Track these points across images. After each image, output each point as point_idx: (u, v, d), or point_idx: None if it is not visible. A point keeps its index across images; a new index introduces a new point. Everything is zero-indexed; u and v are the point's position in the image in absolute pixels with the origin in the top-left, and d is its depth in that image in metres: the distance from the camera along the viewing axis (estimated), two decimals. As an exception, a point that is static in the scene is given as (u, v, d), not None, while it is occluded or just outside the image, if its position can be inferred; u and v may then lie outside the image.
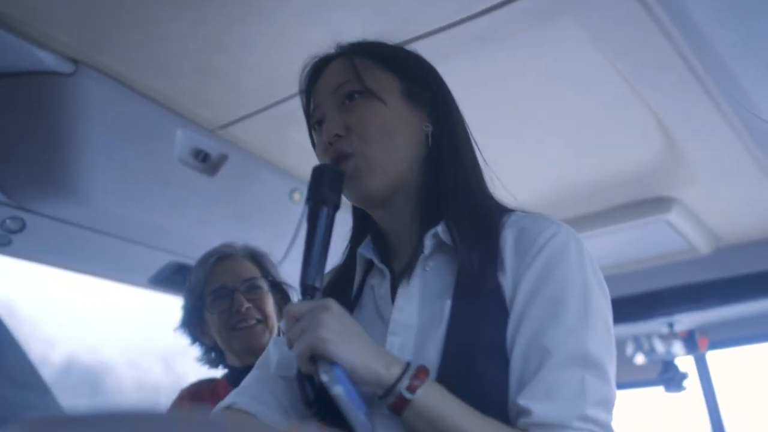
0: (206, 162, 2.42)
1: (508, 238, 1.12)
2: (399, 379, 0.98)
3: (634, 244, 3.35)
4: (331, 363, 0.97)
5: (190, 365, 2.23)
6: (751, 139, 2.34)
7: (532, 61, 2.07)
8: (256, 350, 2.02)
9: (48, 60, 1.90)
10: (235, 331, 2.02)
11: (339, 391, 0.95)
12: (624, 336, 4.04)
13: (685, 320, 3.88)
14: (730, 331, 3.95)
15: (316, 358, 0.99)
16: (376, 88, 1.20)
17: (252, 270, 2.14)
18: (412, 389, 0.97)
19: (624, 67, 2.07)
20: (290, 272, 2.47)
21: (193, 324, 2.15)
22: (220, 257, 2.14)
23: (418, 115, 1.22)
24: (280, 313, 2.14)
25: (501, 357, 1.03)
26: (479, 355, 1.03)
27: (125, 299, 3.00)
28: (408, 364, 1.00)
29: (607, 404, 0.99)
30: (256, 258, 2.19)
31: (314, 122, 1.28)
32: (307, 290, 1.07)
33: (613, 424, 1.01)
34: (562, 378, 0.97)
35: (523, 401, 0.97)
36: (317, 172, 1.15)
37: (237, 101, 2.23)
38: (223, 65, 2.04)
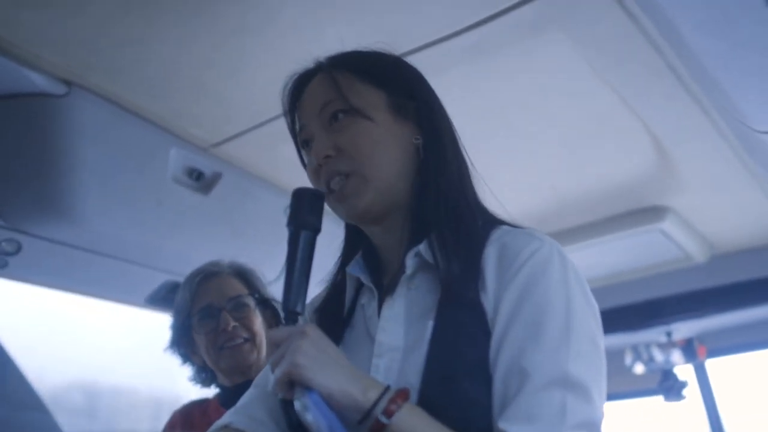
0: (200, 180, 2.42)
1: (490, 255, 1.10)
2: (376, 403, 0.96)
3: (629, 253, 3.36)
4: (308, 389, 0.97)
5: (189, 383, 2.23)
6: (741, 147, 2.35)
7: (523, 74, 2.08)
8: (244, 369, 2.02)
9: (40, 82, 1.90)
10: (222, 350, 2.01)
11: (309, 419, 0.95)
12: (622, 346, 4.05)
13: (683, 329, 3.88)
14: (729, 338, 3.96)
15: (293, 383, 0.98)
16: (362, 105, 1.19)
17: (238, 288, 2.13)
18: (388, 414, 0.95)
19: (613, 79, 2.08)
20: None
21: (183, 344, 2.14)
22: (206, 276, 2.13)
23: (407, 127, 1.21)
24: (269, 329, 2.14)
25: (483, 378, 1.01)
26: (460, 377, 1.02)
27: (124, 317, 3.00)
28: (387, 388, 0.99)
29: (590, 426, 0.97)
30: (243, 275, 2.18)
31: (302, 142, 1.27)
32: (289, 315, 1.07)
33: None
34: (542, 401, 0.95)
35: (502, 425, 0.95)
36: (296, 196, 1.14)
37: (230, 119, 2.24)
38: (215, 83, 2.04)
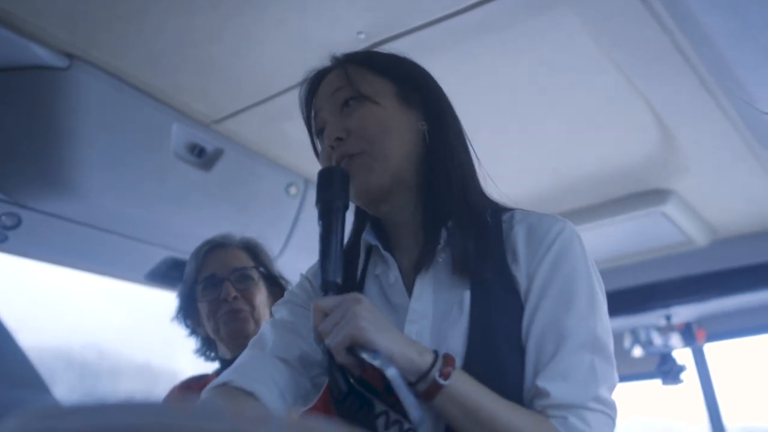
0: (202, 156, 2.41)
1: (520, 234, 1.20)
2: (432, 365, 1.02)
3: (630, 236, 3.35)
4: (373, 351, 1.00)
5: (191, 359, 2.23)
6: (747, 130, 2.34)
7: (528, 53, 2.07)
8: (242, 338, 2.02)
9: (43, 55, 1.89)
10: (222, 319, 2.01)
11: (393, 373, 0.97)
12: (621, 329, 4.05)
13: (682, 312, 3.88)
14: (728, 323, 3.96)
15: (355, 348, 1.01)
16: (370, 92, 1.26)
17: (244, 260, 2.12)
18: (445, 375, 1.02)
19: (619, 59, 2.07)
20: (288, 265, 2.46)
21: (188, 314, 2.13)
22: (213, 246, 2.13)
23: (413, 114, 1.28)
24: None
25: (517, 346, 1.11)
26: (500, 345, 1.10)
27: (124, 293, 3.00)
28: (437, 353, 1.05)
29: (613, 386, 1.09)
30: (251, 248, 2.17)
31: (317, 131, 1.34)
32: (329, 286, 1.10)
33: None
34: (576, 362, 1.06)
35: (541, 383, 1.05)
36: (326, 174, 1.20)
37: (232, 95, 2.23)
38: (218, 59, 2.03)
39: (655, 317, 3.93)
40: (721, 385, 3.97)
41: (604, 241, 3.36)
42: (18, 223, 2.25)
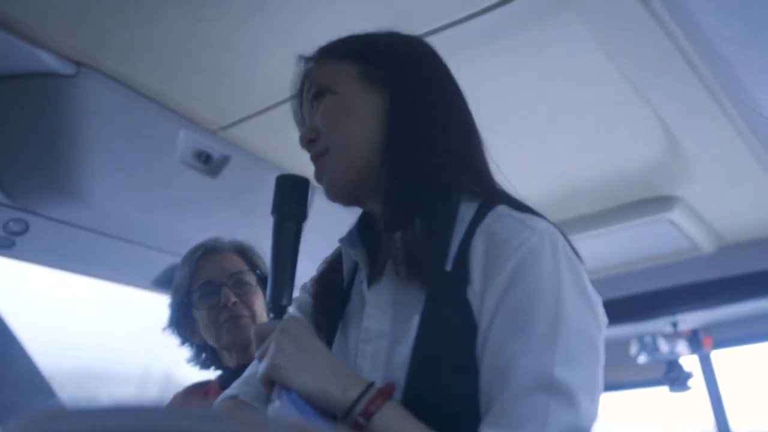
0: (208, 163, 2.42)
1: (478, 246, 1.03)
2: (355, 402, 0.94)
3: (636, 243, 3.35)
4: (286, 389, 0.97)
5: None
6: (753, 136, 2.34)
7: (533, 59, 2.07)
8: (245, 344, 2.01)
9: (50, 62, 1.90)
10: (223, 326, 1.99)
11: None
12: (628, 336, 4.04)
13: (689, 319, 3.87)
14: (735, 330, 3.94)
15: (273, 383, 0.98)
16: (328, 83, 1.18)
17: (239, 263, 2.10)
18: (366, 415, 0.93)
19: (625, 65, 2.07)
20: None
21: (182, 323, 2.11)
22: (206, 251, 2.11)
23: (378, 95, 1.15)
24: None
25: (470, 376, 0.96)
26: (446, 374, 0.97)
27: (131, 301, 3.01)
28: (370, 386, 0.96)
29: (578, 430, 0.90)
30: (243, 251, 2.15)
31: None
32: (276, 309, 1.06)
33: (615, 427, 0.96)
34: (524, 407, 0.89)
35: (484, 429, 0.90)
36: (278, 184, 1.13)
37: (239, 102, 2.24)
38: (225, 66, 2.04)
39: (661, 324, 3.92)
40: (728, 392, 3.95)
41: (610, 247, 3.35)
42: (26, 229, 2.26)
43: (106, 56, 1.95)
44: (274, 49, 1.98)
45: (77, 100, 1.99)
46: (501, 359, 0.93)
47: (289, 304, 1.06)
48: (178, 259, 2.68)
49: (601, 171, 2.81)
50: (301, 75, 1.29)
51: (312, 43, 1.93)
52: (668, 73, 2.07)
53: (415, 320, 1.02)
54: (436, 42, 1.92)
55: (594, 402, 0.93)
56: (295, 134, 2.32)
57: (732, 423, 3.87)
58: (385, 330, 1.07)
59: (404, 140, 1.11)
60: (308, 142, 1.18)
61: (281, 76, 2.09)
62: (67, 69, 1.94)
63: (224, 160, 2.44)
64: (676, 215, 3.01)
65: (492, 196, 1.13)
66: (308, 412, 0.93)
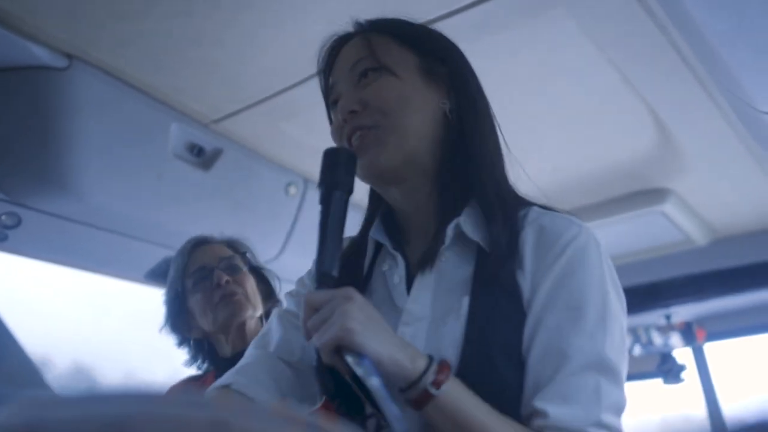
0: (201, 156, 2.42)
1: (529, 237, 1.11)
2: (424, 373, 0.96)
3: (630, 235, 3.35)
4: (359, 355, 0.93)
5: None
6: (744, 128, 2.34)
7: (524, 52, 2.07)
8: (240, 326, 2.03)
9: (42, 55, 1.90)
10: (218, 305, 2.02)
11: (375, 383, 0.91)
12: (621, 328, 4.05)
13: (682, 312, 3.88)
14: (728, 322, 3.96)
15: (341, 349, 0.94)
16: (391, 63, 1.18)
17: (229, 252, 2.17)
18: (437, 384, 0.95)
19: (616, 58, 2.07)
20: (286, 266, 2.47)
21: (178, 318, 2.13)
22: (197, 243, 2.18)
23: (435, 91, 1.19)
24: (263, 300, 2.15)
25: (516, 357, 1.03)
26: (496, 355, 1.02)
27: (128, 295, 3.00)
28: (431, 358, 0.99)
29: (620, 409, 1.00)
30: (233, 244, 2.23)
31: (332, 102, 1.26)
32: (324, 279, 1.02)
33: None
34: (579, 383, 0.97)
35: (539, 403, 0.97)
36: (331, 155, 1.10)
37: (231, 95, 2.23)
38: (217, 59, 2.03)
39: (655, 317, 3.94)
40: (721, 384, 3.97)
41: (603, 240, 3.31)
42: (18, 223, 2.25)
43: (99, 49, 1.95)
44: (267, 43, 1.98)
45: (69, 93, 1.99)
46: (556, 341, 1.01)
47: (337, 275, 1.03)
48: (171, 252, 2.68)
49: (594, 164, 2.82)
50: (340, 38, 1.29)
51: (304, 38, 1.93)
52: (660, 66, 2.07)
53: (465, 301, 1.08)
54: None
55: (625, 386, 1.03)
56: (287, 127, 2.35)
57: (725, 415, 3.88)
58: (425, 314, 1.11)
59: (465, 142, 1.18)
60: (350, 112, 1.17)
61: (273, 69, 2.10)
62: (59, 62, 1.94)
63: (216, 153, 2.44)
64: (669, 208, 3.02)
65: (518, 197, 1.23)
66: (378, 381, 0.92)
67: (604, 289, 1.05)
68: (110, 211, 2.31)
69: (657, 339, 4.03)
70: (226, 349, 2.07)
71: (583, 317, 1.01)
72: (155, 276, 2.79)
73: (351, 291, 0.99)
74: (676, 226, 3.22)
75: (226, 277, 2.04)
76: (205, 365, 2.16)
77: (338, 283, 1.04)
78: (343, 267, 1.23)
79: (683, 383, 4.04)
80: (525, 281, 1.07)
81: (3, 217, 2.22)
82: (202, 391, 2.00)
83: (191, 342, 2.17)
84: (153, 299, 2.85)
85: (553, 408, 0.96)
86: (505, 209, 1.14)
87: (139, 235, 2.53)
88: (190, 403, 0.39)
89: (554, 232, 1.09)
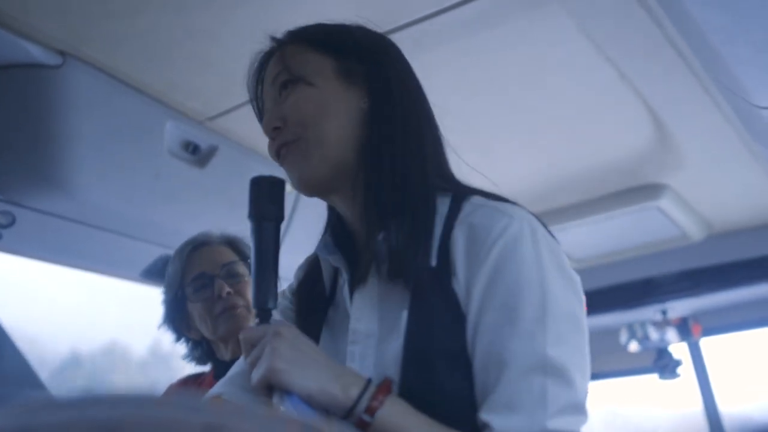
0: (196, 154, 2.41)
1: (459, 238, 1.05)
2: (357, 401, 0.94)
3: (626, 231, 3.36)
4: (286, 392, 0.95)
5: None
6: (741, 124, 2.35)
7: (521, 47, 2.07)
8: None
9: (35, 52, 1.89)
10: (219, 317, 1.99)
11: None
12: (617, 324, 4.05)
13: (678, 307, 3.88)
14: (724, 317, 3.96)
15: (272, 387, 0.96)
16: (305, 72, 1.16)
17: (230, 255, 2.11)
18: (370, 411, 0.94)
19: (613, 53, 2.07)
20: (282, 263, 2.44)
21: (177, 318, 2.12)
22: (196, 245, 2.13)
23: (355, 92, 1.16)
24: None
25: (462, 366, 0.99)
26: (439, 366, 0.99)
27: (124, 293, 3.00)
28: (369, 382, 0.97)
29: (573, 408, 0.94)
30: (233, 243, 2.17)
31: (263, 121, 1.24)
32: (262, 314, 1.04)
33: (593, 419, 0.98)
34: (522, 388, 0.93)
35: (484, 415, 0.93)
36: (254, 186, 1.11)
37: (227, 92, 2.22)
38: (212, 55, 2.03)
39: (651, 312, 3.93)
40: (717, 379, 3.97)
41: (599, 236, 3.36)
42: (12, 222, 2.24)
43: (92, 47, 1.94)
44: (262, 40, 1.96)
45: (63, 90, 1.98)
46: (495, 346, 0.96)
47: (275, 307, 1.05)
48: (166, 251, 2.68)
49: (590, 160, 2.82)
50: (264, 55, 1.27)
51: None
52: (657, 61, 2.07)
53: (404, 316, 1.04)
54: (420, 32, 1.94)
55: (585, 378, 0.98)
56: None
57: (721, 410, 3.89)
58: (372, 330, 1.08)
59: (386, 142, 1.13)
60: (273, 129, 1.16)
61: (268, 65, 2.09)
62: (53, 59, 1.93)
63: (212, 151, 2.43)
64: (665, 203, 3.02)
65: (461, 189, 1.16)
66: (310, 415, 0.92)
67: (543, 283, 0.98)
68: (105, 209, 2.30)
69: (653, 334, 4.02)
70: (225, 355, 2.06)
71: (519, 317, 0.96)
72: (151, 274, 2.79)
73: (281, 327, 1.00)
74: (672, 222, 3.22)
75: (227, 289, 2.00)
76: (203, 359, 2.15)
77: (303, 304, 1.06)
78: (305, 279, 1.26)
79: (679, 378, 4.04)
80: (459, 286, 1.03)
81: (-3, 216, 2.21)
82: (198, 393, 2.01)
83: (190, 341, 2.16)
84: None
85: (497, 419, 0.92)
86: (426, 216, 1.09)
87: (135, 234, 2.52)
88: (184, 406, 0.39)
89: (483, 228, 1.03)
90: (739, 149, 2.62)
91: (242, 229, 2.19)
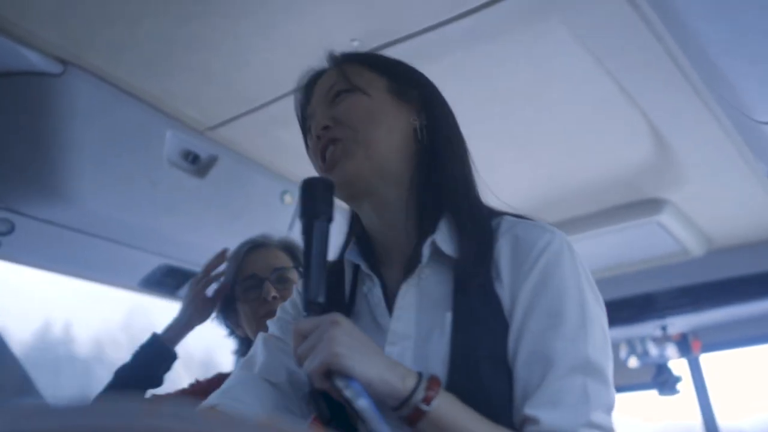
0: (196, 163, 2.41)
1: (504, 247, 1.14)
2: (414, 390, 0.99)
3: (626, 246, 3.35)
4: (347, 378, 0.96)
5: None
6: (741, 138, 2.35)
7: (521, 60, 2.07)
8: None
9: (36, 60, 1.89)
10: (262, 320, 2.00)
11: (364, 404, 0.93)
12: (617, 339, 4.04)
13: (678, 323, 3.88)
14: (724, 333, 3.95)
15: (331, 373, 0.97)
16: (361, 83, 1.24)
17: (284, 260, 2.13)
18: (427, 401, 0.98)
19: (613, 67, 2.07)
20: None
21: (228, 315, 2.16)
22: (253, 246, 2.15)
23: (405, 109, 1.25)
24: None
25: (503, 367, 1.06)
26: (484, 366, 1.05)
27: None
28: (420, 375, 1.01)
29: (609, 408, 1.02)
30: (291, 249, 2.18)
31: (309, 127, 1.30)
32: (311, 306, 1.05)
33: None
34: (566, 386, 1.00)
35: (529, 410, 0.99)
36: (307, 186, 1.13)
37: (227, 102, 2.23)
38: (212, 65, 2.03)
39: (651, 327, 3.93)
40: (717, 395, 3.96)
41: (599, 250, 3.36)
42: (11, 230, 2.24)
43: (93, 55, 1.94)
44: (263, 50, 1.97)
45: (63, 99, 1.98)
46: (539, 346, 1.04)
47: (324, 302, 1.06)
48: (165, 260, 2.67)
49: (590, 174, 2.82)
50: (316, 72, 1.36)
51: (299, 45, 1.93)
52: (657, 75, 2.07)
53: (447, 317, 1.11)
54: (422, 43, 1.94)
55: (612, 385, 1.06)
56: (283, 134, 2.34)
57: (721, 427, 3.87)
58: (409, 332, 1.14)
59: (437, 155, 1.23)
60: (323, 128, 1.22)
61: (269, 76, 2.10)
62: (54, 68, 1.93)
63: (212, 161, 2.43)
64: (665, 218, 3.02)
65: (488, 208, 1.26)
66: (371, 402, 0.95)
67: (582, 293, 1.07)
68: (104, 218, 2.30)
69: (653, 350, 4.01)
70: None
71: (563, 322, 1.04)
72: (150, 284, 2.79)
73: (337, 316, 1.02)
74: (672, 237, 3.22)
75: (273, 293, 2.02)
76: None
77: (324, 309, 1.06)
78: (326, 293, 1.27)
79: (679, 395, 4.03)
80: (504, 291, 1.10)
81: (-4, 224, 2.21)
82: (191, 402, 2.00)
83: (238, 338, 2.20)
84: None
85: (543, 413, 0.98)
86: (477, 222, 1.19)
87: (134, 243, 2.52)
88: (175, 415, 0.38)
89: (528, 240, 1.12)
90: (740, 164, 2.62)
91: (241, 238, 2.21)
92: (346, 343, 0.98)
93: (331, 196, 1.14)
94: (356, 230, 1.32)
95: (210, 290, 2.16)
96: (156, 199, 2.35)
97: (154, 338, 2.07)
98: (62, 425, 0.37)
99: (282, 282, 2.07)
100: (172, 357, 2.08)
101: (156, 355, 2.05)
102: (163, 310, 2.94)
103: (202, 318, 2.16)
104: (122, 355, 2.09)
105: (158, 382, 2.04)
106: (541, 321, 1.05)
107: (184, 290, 2.83)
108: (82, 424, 0.37)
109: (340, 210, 1.20)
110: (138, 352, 2.05)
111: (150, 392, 2.04)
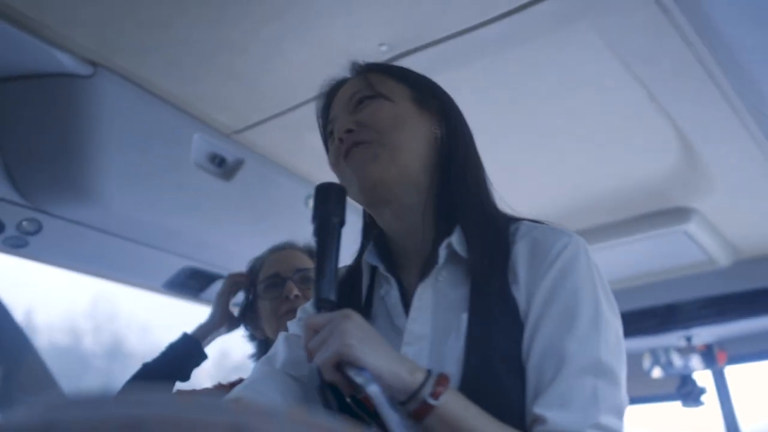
0: (222, 167, 2.42)
1: (521, 250, 1.16)
2: (423, 384, 1.00)
3: (652, 255, 3.32)
4: (359, 367, 0.98)
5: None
6: (771, 148, 2.32)
7: (550, 66, 2.06)
8: None
9: (67, 62, 1.91)
10: (283, 317, 2.01)
11: (375, 390, 0.95)
12: (641, 349, 4.01)
13: (703, 334, 3.83)
14: (750, 345, 3.90)
15: (342, 365, 0.99)
16: (385, 90, 1.27)
17: (307, 262, 2.16)
18: (435, 395, 0.99)
19: (642, 74, 2.06)
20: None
21: (249, 317, 2.17)
22: (277, 248, 2.19)
23: (427, 118, 1.27)
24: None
25: (517, 368, 1.07)
26: (498, 367, 1.06)
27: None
28: (429, 371, 1.02)
29: (619, 411, 1.02)
30: (314, 253, 2.19)
31: (329, 132, 1.33)
32: (322, 304, 1.08)
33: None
34: (576, 386, 1.00)
35: (538, 410, 1.00)
36: (322, 190, 1.17)
37: (254, 105, 2.24)
38: (241, 69, 2.04)
39: (675, 338, 3.89)
40: (742, 408, 3.91)
41: (624, 259, 3.33)
42: (39, 229, 2.26)
43: (123, 58, 1.96)
44: (291, 54, 1.98)
45: (93, 101, 2.00)
46: (552, 346, 1.05)
47: (335, 299, 1.09)
48: (190, 263, 2.68)
49: (617, 181, 2.79)
50: (339, 80, 1.39)
51: (327, 49, 1.94)
52: (687, 82, 2.05)
53: (463, 318, 1.12)
54: (450, 48, 1.94)
55: (625, 388, 1.06)
56: (309, 138, 2.34)
57: (745, 438, 3.83)
58: (425, 333, 1.16)
59: (454, 164, 1.25)
60: (346, 131, 1.24)
61: (296, 80, 2.10)
62: (84, 70, 1.95)
63: (238, 164, 2.44)
64: (693, 227, 2.99)
65: (504, 214, 1.29)
66: (383, 393, 0.96)
67: (596, 296, 1.09)
68: (131, 219, 2.32)
69: (677, 361, 3.97)
70: None
71: (576, 323, 1.05)
72: (174, 286, 2.80)
73: (348, 311, 1.05)
74: (698, 246, 3.18)
75: (295, 291, 2.04)
76: None
77: (335, 307, 1.08)
78: (342, 294, 1.28)
79: (703, 406, 3.98)
80: (520, 293, 1.12)
81: (24, 223, 2.23)
82: (218, 395, 2.00)
83: (256, 340, 2.21)
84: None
85: (551, 413, 0.99)
86: (492, 226, 1.21)
87: (159, 245, 2.54)
88: (208, 406, 0.38)
89: (546, 243, 1.14)
90: (769, 174, 2.59)
91: (266, 242, 2.22)
92: (357, 336, 1.00)
93: (344, 199, 1.17)
94: (373, 234, 1.33)
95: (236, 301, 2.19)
96: (182, 201, 2.37)
97: (186, 336, 2.09)
98: (99, 415, 0.37)
99: (304, 282, 2.09)
100: (202, 355, 2.09)
101: (186, 351, 2.07)
102: (129, 298, 2.95)
103: (231, 325, 2.18)
104: (86, 343, 2.10)
105: (186, 377, 2.06)
106: (554, 321, 1.07)
107: (206, 293, 2.86)
108: (118, 415, 0.37)
109: (352, 215, 1.22)
110: (168, 348, 2.07)
111: (175, 387, 2.06)
